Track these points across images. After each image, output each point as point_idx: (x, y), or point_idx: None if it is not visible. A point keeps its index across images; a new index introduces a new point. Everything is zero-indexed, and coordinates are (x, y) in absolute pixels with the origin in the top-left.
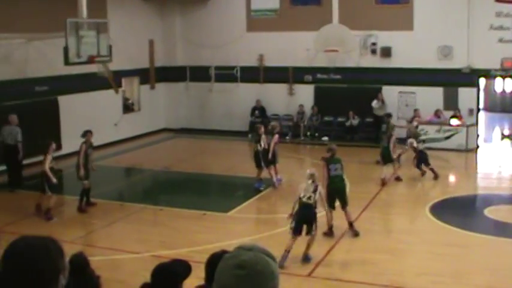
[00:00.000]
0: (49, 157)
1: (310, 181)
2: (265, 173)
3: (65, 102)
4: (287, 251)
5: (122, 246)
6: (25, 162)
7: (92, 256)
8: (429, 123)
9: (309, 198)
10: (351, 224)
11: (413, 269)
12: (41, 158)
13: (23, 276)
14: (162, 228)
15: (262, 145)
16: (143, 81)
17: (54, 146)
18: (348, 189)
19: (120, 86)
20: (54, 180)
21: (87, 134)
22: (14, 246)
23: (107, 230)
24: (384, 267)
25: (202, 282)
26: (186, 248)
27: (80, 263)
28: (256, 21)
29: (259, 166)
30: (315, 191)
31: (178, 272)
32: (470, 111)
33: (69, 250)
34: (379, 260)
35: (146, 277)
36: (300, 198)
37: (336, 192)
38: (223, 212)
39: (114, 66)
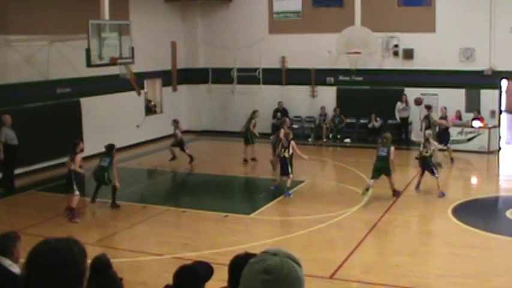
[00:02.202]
0: (79, 157)
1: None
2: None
3: (87, 104)
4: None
5: (144, 248)
6: (50, 164)
7: (114, 258)
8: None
9: (426, 152)
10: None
11: (436, 270)
12: (62, 160)
13: (49, 281)
14: (185, 230)
15: (291, 151)
16: (165, 83)
17: (82, 145)
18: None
19: (142, 88)
20: (82, 171)
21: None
22: (38, 250)
23: (129, 232)
24: (406, 269)
25: (225, 284)
26: (209, 250)
27: (102, 265)
28: (279, 23)
29: (286, 173)
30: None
31: (200, 274)
32: (492, 113)
33: (92, 252)
34: (401, 262)
35: (168, 279)
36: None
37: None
38: (245, 214)
39: (136, 68)
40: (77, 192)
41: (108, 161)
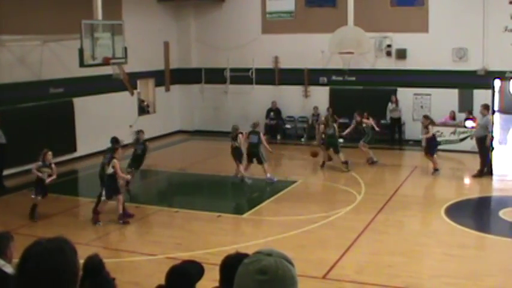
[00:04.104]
0: (116, 161)
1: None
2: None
3: (80, 104)
4: None
5: (137, 248)
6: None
7: (107, 258)
8: (444, 125)
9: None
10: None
11: (429, 270)
12: (55, 160)
13: (44, 283)
14: (178, 230)
15: (239, 142)
16: (158, 83)
17: (121, 151)
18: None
19: (135, 88)
20: (128, 176)
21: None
22: (30, 253)
23: (122, 231)
24: (399, 269)
25: (216, 284)
26: (201, 250)
27: (95, 265)
28: (272, 23)
29: (240, 161)
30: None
31: (192, 273)
32: None
33: (85, 252)
34: (394, 262)
35: (161, 279)
36: (232, 144)
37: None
38: (238, 214)
39: (129, 68)
40: (103, 198)
41: (109, 157)
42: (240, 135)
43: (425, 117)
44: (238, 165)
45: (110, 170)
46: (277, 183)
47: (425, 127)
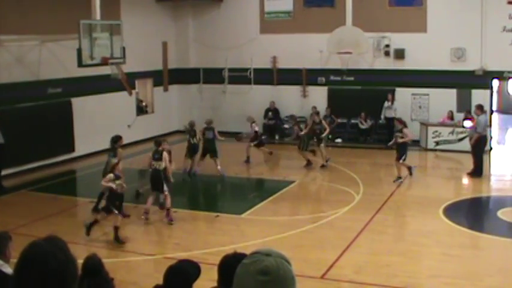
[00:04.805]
0: (166, 155)
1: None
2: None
3: (79, 104)
4: None
5: (136, 248)
6: (41, 164)
7: (105, 258)
8: (442, 125)
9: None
10: None
11: (427, 270)
12: (53, 160)
13: (47, 283)
14: (176, 230)
15: (198, 138)
16: (157, 83)
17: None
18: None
19: (133, 88)
20: (172, 180)
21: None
22: (32, 254)
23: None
24: (397, 269)
25: (215, 284)
26: (200, 250)
27: (94, 265)
28: (270, 23)
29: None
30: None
31: (190, 272)
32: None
33: (83, 252)
34: (393, 262)
35: (159, 279)
36: (189, 141)
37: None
38: (236, 214)
39: (127, 68)
40: (166, 193)
41: (112, 155)
42: (198, 132)
43: (399, 120)
44: (193, 160)
45: (163, 165)
46: (276, 183)
47: (400, 131)
